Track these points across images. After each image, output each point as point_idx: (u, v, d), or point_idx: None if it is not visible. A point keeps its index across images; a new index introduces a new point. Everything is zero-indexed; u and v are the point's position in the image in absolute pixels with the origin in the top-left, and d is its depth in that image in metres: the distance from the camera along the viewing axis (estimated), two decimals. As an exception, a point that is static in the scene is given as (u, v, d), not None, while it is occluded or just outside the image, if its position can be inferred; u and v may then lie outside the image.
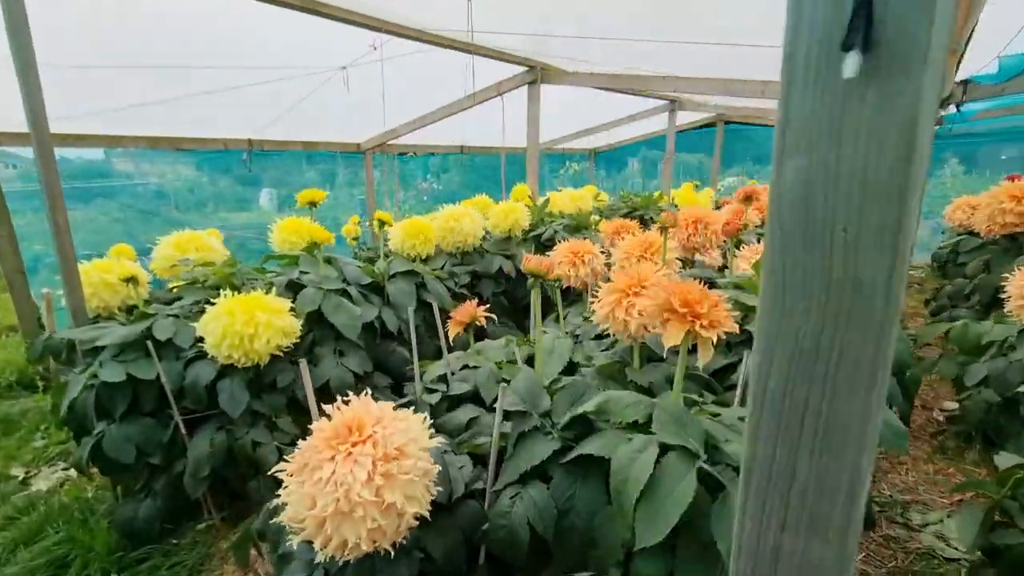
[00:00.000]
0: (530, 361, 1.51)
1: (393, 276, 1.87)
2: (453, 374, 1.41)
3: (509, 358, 1.49)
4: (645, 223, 3.57)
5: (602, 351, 1.45)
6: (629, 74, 3.04)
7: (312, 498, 0.74)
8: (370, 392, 1.55)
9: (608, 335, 1.51)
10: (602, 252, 2.09)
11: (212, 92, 2.75)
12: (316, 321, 1.63)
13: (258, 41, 2.41)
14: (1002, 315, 1.99)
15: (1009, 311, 1.53)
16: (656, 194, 3.75)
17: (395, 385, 1.77)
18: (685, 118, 6.30)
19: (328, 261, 1.77)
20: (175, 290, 1.89)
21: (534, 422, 0.99)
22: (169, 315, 1.54)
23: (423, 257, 2.09)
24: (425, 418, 0.90)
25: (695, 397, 1.00)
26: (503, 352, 1.53)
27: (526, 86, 3.30)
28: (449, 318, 1.42)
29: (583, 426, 0.96)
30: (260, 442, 1.42)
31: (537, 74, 3.23)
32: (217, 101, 2.78)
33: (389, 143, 4.28)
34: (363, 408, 0.85)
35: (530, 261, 0.99)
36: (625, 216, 3.70)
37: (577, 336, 1.58)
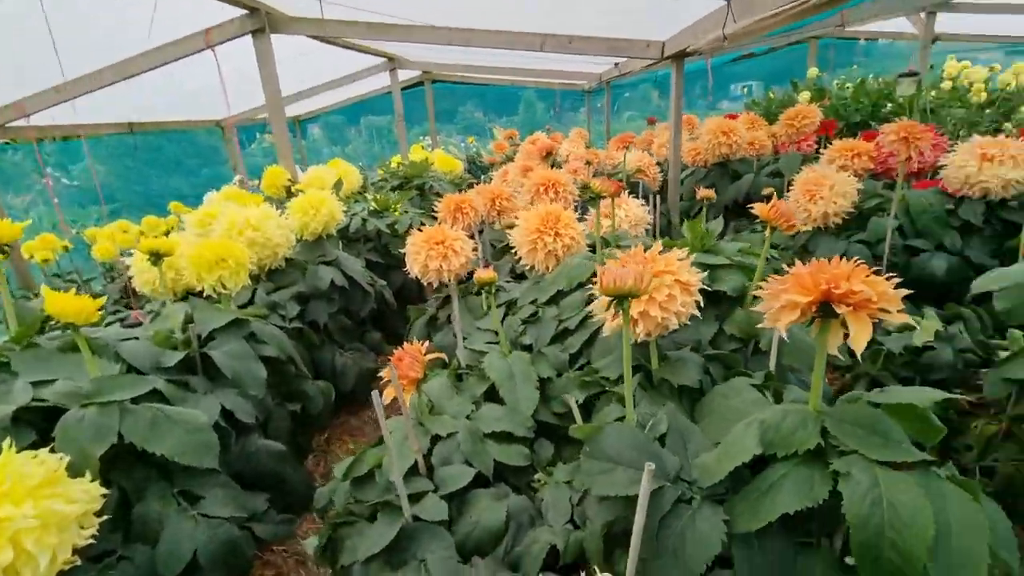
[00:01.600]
0: (491, 394, 1.16)
1: (211, 337, 1.16)
2: (429, 454, 0.96)
3: (473, 399, 1.11)
4: (424, 192, 3.29)
5: (572, 355, 1.20)
6: (403, 24, 2.58)
7: None
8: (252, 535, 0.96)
9: (567, 335, 1.27)
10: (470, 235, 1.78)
11: None
12: (110, 462, 0.88)
13: None
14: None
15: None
16: (427, 159, 3.46)
17: (281, 502, 1.14)
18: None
19: (91, 349, 0.94)
20: None
21: (671, 493, 0.72)
22: None
23: (230, 293, 1.37)
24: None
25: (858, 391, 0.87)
26: (455, 398, 1.12)
27: (250, 35, 2.49)
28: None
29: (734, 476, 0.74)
30: None
31: (263, 20, 2.46)
32: None
33: (8, 125, 2.74)
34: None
35: (609, 277, 0.65)
36: (398, 188, 3.33)
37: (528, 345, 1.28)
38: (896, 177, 2.03)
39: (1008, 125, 2.87)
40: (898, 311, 0.67)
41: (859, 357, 0.66)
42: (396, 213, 2.42)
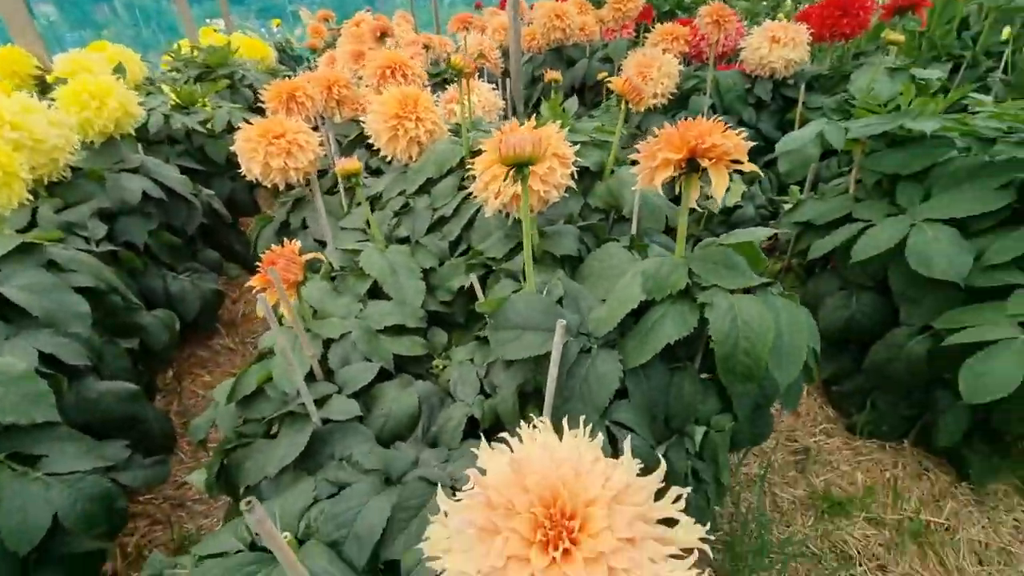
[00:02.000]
0: (374, 292, 1.12)
1: (-6, 269, 0.89)
2: (324, 360, 0.90)
3: (358, 298, 1.05)
4: (235, 84, 2.78)
5: (451, 242, 1.19)
6: None
7: None
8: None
9: (443, 223, 1.24)
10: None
11: None
12: None
13: None
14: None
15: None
16: (228, 44, 2.87)
17: (140, 448, 0.99)
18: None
19: None
20: None
21: (575, 346, 0.79)
22: None
23: (1, 214, 1.04)
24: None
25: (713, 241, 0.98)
26: (339, 300, 1.06)
27: None
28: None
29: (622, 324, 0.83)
30: None
31: None
32: None
33: None
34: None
35: (507, 145, 0.64)
36: (199, 79, 2.76)
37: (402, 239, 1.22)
38: (706, 61, 2.26)
39: (781, 15, 3.33)
40: (746, 162, 0.78)
41: (719, 202, 0.77)
42: (206, 108, 2.02)
